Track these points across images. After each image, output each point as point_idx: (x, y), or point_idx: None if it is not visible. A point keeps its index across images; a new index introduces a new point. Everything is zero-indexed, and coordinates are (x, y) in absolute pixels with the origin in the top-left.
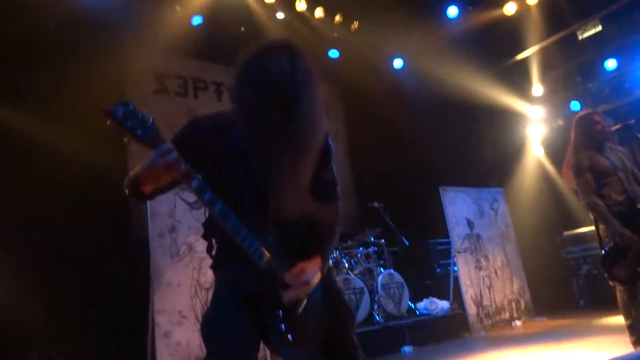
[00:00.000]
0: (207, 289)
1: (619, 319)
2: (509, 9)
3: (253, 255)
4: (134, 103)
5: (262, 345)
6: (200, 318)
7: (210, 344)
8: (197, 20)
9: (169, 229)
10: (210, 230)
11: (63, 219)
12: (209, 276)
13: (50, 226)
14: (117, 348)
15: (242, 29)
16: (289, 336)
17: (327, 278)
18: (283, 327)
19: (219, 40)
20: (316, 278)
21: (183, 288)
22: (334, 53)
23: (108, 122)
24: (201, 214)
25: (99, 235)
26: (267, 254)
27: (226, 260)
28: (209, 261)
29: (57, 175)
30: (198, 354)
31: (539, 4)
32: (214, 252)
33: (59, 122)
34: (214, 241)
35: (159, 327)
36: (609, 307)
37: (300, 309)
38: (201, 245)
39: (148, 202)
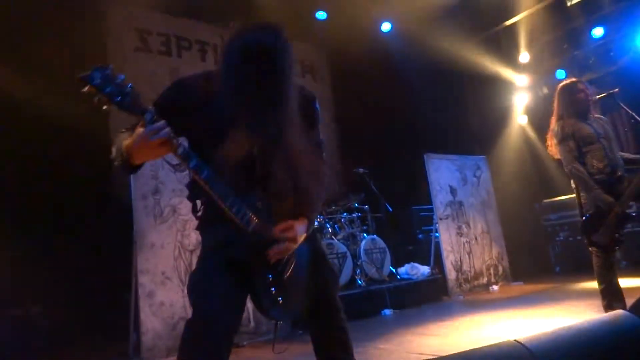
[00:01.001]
0: (191, 251)
1: (592, 285)
2: None
3: (241, 221)
4: (111, 66)
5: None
6: (184, 279)
7: (195, 303)
8: None
9: (153, 190)
10: (195, 192)
11: (44, 179)
12: (192, 238)
13: (31, 187)
14: (101, 308)
15: None
16: (279, 299)
17: (313, 240)
18: (273, 290)
19: None
20: (302, 236)
21: (167, 249)
22: (321, 15)
23: (85, 88)
24: (185, 176)
25: (81, 196)
26: (255, 218)
27: (212, 221)
28: (192, 223)
29: (36, 135)
30: (182, 314)
31: None
32: (199, 214)
33: (38, 80)
34: (199, 203)
35: (143, 287)
36: (584, 273)
37: (289, 272)
38: (185, 207)
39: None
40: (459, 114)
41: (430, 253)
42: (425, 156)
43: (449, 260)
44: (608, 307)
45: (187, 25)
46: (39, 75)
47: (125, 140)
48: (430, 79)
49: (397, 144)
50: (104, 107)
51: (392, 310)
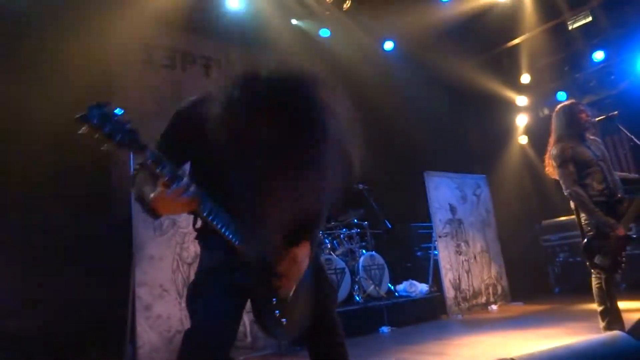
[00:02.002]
0: (190, 264)
1: (592, 306)
2: None
3: (246, 250)
4: (109, 103)
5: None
6: (182, 292)
7: (193, 315)
8: None
9: None
10: None
11: (42, 190)
12: (191, 251)
13: (28, 198)
14: (97, 321)
15: (234, 3)
16: (283, 320)
17: (314, 257)
18: (277, 312)
19: (210, 14)
20: (306, 262)
21: (165, 262)
22: (324, 32)
23: (83, 128)
24: None
25: (80, 208)
26: (259, 246)
27: (213, 237)
28: (192, 236)
29: (35, 146)
30: (178, 327)
31: None
32: (198, 226)
33: (38, 93)
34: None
35: (140, 299)
36: (584, 294)
37: (291, 295)
38: (184, 220)
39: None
40: (460, 132)
41: (428, 271)
42: (425, 174)
43: (447, 279)
44: (607, 329)
45: (192, 40)
46: (40, 88)
47: (147, 191)
48: (432, 97)
49: (397, 161)
50: (103, 147)
51: (389, 327)
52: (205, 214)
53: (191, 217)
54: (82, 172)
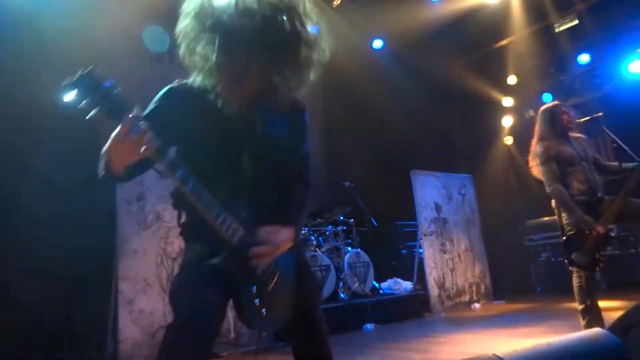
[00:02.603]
0: (174, 259)
1: (573, 305)
2: None
3: (226, 232)
4: (97, 70)
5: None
6: (165, 287)
7: (177, 308)
8: None
9: (137, 196)
10: (179, 200)
11: (26, 185)
12: (175, 246)
13: (8, 189)
14: (79, 314)
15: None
16: (264, 310)
17: (298, 252)
18: (257, 301)
19: None
20: (286, 243)
21: (149, 256)
22: (313, 29)
23: (71, 95)
24: (171, 183)
25: (64, 200)
26: (241, 229)
27: (196, 229)
28: (176, 230)
29: (19, 137)
30: (162, 322)
31: None
32: (182, 220)
33: (24, 86)
34: (183, 212)
35: (123, 294)
36: (565, 293)
37: (273, 283)
38: (169, 214)
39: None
40: (447, 132)
41: (413, 269)
42: (411, 172)
43: (432, 277)
44: (587, 327)
45: None
46: (24, 81)
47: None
48: (419, 95)
49: (384, 159)
50: (89, 115)
51: (373, 324)
52: (178, 176)
53: (176, 211)
54: (64, 163)
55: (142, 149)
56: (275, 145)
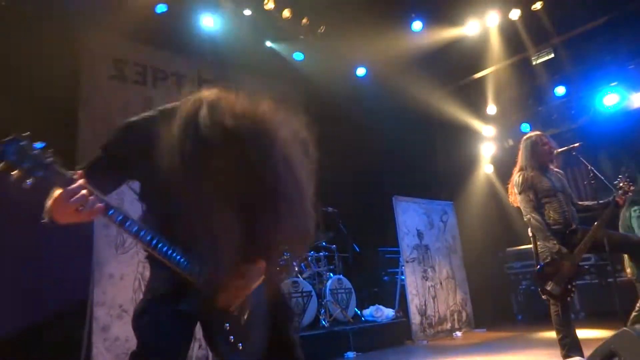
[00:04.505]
0: None
1: (553, 334)
2: (470, 29)
3: (191, 277)
4: (26, 136)
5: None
6: None
7: (140, 336)
8: (161, 8)
9: None
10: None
11: (4, 204)
12: None
13: None
14: (52, 340)
15: (207, 21)
16: (239, 345)
17: (269, 279)
18: (232, 338)
19: (183, 31)
20: (255, 278)
21: (126, 281)
22: (298, 55)
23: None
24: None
25: (39, 222)
26: (206, 271)
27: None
28: None
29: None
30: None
31: (498, 27)
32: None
33: (7, 104)
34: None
35: (97, 320)
36: (545, 322)
37: (245, 318)
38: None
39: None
40: (428, 159)
41: (395, 296)
42: (393, 198)
43: (413, 304)
44: (567, 357)
45: (164, 56)
46: (7, 99)
47: (49, 199)
48: (402, 124)
49: (366, 185)
50: (26, 183)
51: (355, 353)
52: (133, 232)
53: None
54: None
55: (87, 213)
56: None
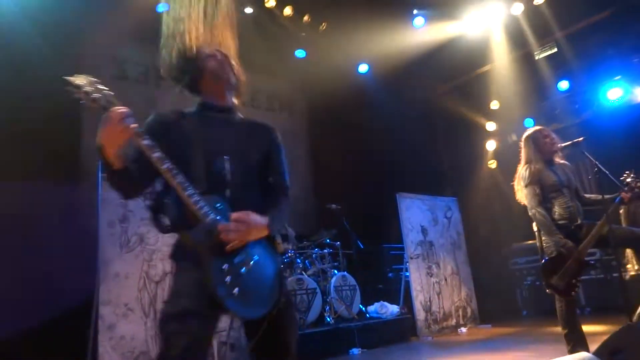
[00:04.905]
0: (157, 282)
1: (559, 329)
2: (473, 25)
3: (199, 210)
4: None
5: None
6: (147, 311)
7: (169, 341)
8: (162, 7)
9: (120, 218)
10: (159, 203)
11: (8, 204)
12: (159, 269)
13: None
14: (58, 339)
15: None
16: (235, 290)
17: (282, 277)
18: (228, 279)
19: None
20: (258, 228)
21: (131, 280)
22: (300, 53)
23: (68, 88)
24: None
25: (47, 220)
26: (214, 213)
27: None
28: (160, 254)
29: (6, 154)
30: (142, 348)
31: (501, 22)
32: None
33: (9, 100)
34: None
35: (103, 319)
36: (550, 317)
37: (247, 267)
38: (153, 237)
39: (100, 189)
40: (432, 155)
41: (400, 292)
42: (397, 195)
43: (418, 300)
44: (572, 352)
45: None
46: (8, 95)
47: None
48: (404, 119)
49: (370, 181)
50: (81, 102)
51: (360, 349)
52: (155, 156)
53: (160, 234)
54: (48, 184)
55: (126, 130)
56: (248, 151)
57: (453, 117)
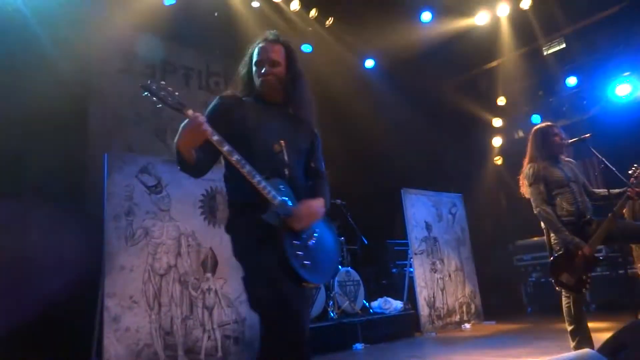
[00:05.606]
0: (162, 275)
1: (564, 326)
2: (480, 20)
3: (268, 194)
4: (164, 82)
5: None
6: (152, 304)
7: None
8: (169, 0)
9: (126, 211)
10: (230, 176)
11: (15, 197)
12: (163, 262)
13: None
14: (62, 331)
15: (216, 14)
16: (307, 262)
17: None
18: (300, 254)
19: (192, 23)
20: (319, 212)
21: (136, 273)
22: (306, 47)
23: (145, 93)
24: (160, 199)
25: (51, 216)
26: (280, 195)
27: (245, 195)
28: (164, 247)
29: (12, 147)
30: (147, 340)
31: (508, 17)
32: (231, 199)
33: (17, 93)
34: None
35: (108, 311)
36: (555, 314)
37: (312, 242)
38: (158, 230)
39: (106, 182)
40: (437, 151)
41: (404, 288)
42: (402, 191)
43: (422, 296)
44: (577, 348)
45: (173, 49)
46: (16, 91)
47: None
48: (410, 116)
49: (375, 177)
50: (158, 106)
51: (363, 344)
52: (226, 150)
53: (165, 227)
54: (55, 178)
55: (202, 132)
56: (297, 139)
57: (460, 113)
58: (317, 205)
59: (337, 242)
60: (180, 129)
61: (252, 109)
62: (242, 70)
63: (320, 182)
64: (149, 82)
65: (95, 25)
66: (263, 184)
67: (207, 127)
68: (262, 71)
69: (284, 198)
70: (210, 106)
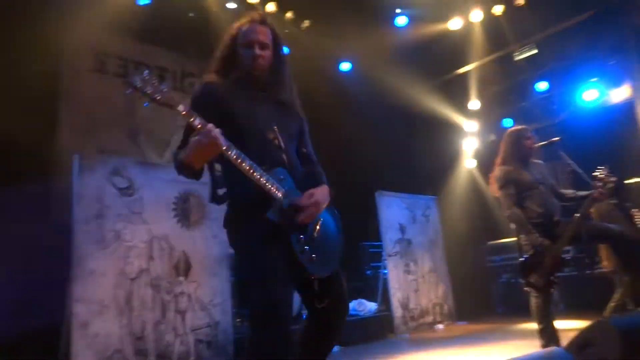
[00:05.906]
0: (133, 279)
1: (533, 325)
2: (454, 25)
3: (270, 189)
4: (147, 72)
5: None
6: (123, 309)
7: (259, 293)
8: (143, 0)
9: (96, 214)
10: (227, 176)
11: None
12: (135, 266)
13: None
14: (30, 337)
15: (191, 14)
16: (313, 256)
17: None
18: (307, 248)
19: (166, 24)
20: (325, 200)
21: (107, 277)
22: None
23: (129, 90)
24: (132, 201)
25: (18, 218)
26: (282, 188)
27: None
28: (136, 250)
29: None
30: (117, 346)
31: (481, 22)
32: (231, 199)
33: None
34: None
35: (77, 316)
36: (524, 313)
37: (317, 233)
38: (130, 233)
39: (75, 184)
40: (411, 154)
41: (378, 289)
42: (377, 193)
43: (396, 298)
44: (545, 347)
45: (147, 50)
46: None
47: (182, 154)
48: (384, 118)
49: (349, 179)
50: (145, 104)
51: (338, 346)
52: (232, 153)
53: (137, 230)
54: (21, 179)
55: (219, 146)
56: (287, 123)
57: (433, 116)
58: (323, 193)
59: (339, 224)
60: (192, 144)
61: (241, 96)
62: (223, 49)
63: (317, 169)
64: (133, 77)
65: (65, 20)
66: (265, 178)
67: (223, 141)
68: (257, 52)
69: (286, 189)
70: (197, 92)
